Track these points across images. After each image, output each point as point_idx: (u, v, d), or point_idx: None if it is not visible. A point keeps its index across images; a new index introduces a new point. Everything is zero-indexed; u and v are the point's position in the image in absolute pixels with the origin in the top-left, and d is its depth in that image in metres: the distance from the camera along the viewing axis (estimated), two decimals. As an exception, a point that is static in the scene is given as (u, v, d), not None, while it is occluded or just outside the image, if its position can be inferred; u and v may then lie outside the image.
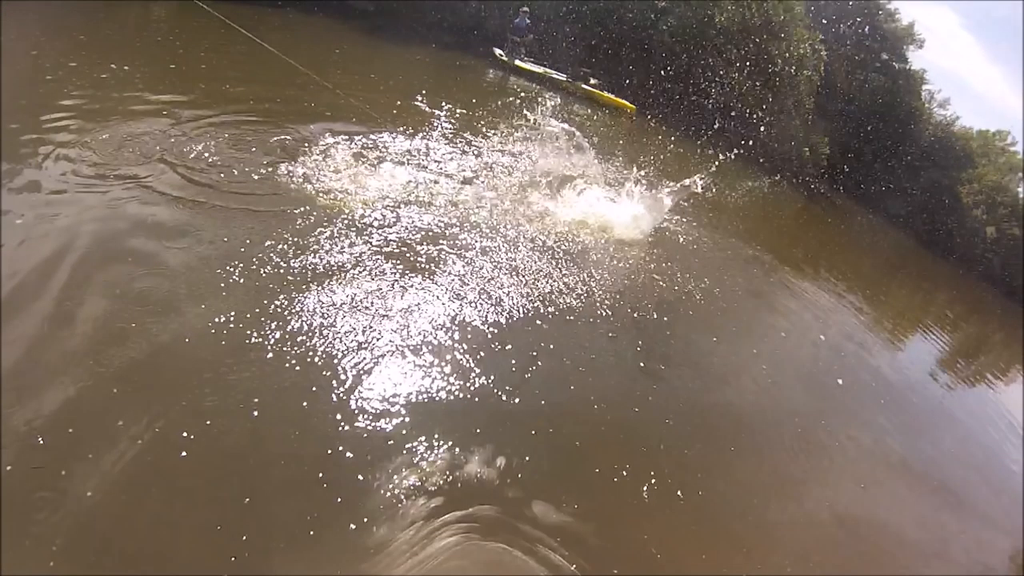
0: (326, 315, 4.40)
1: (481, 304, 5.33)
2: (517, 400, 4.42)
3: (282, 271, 4.65)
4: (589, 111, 16.80)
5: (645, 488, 4.25)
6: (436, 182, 7.22)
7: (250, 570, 2.72)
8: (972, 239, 33.68)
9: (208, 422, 3.26)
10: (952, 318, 18.10)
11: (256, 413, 3.42)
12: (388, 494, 3.32)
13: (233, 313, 4.06)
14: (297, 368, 3.85)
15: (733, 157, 19.99)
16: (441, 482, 3.52)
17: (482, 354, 4.71)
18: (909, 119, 29.95)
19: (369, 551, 3.01)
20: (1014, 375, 17.49)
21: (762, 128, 19.02)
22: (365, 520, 3.14)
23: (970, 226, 33.59)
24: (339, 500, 3.19)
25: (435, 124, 9.22)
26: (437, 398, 4.13)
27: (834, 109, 24.44)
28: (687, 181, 8.97)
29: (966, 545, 6.26)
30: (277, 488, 3.14)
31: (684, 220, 10.22)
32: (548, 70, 17.63)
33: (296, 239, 5.07)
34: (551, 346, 5.22)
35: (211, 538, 2.79)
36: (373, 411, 3.78)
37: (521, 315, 5.42)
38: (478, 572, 3.11)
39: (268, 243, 4.87)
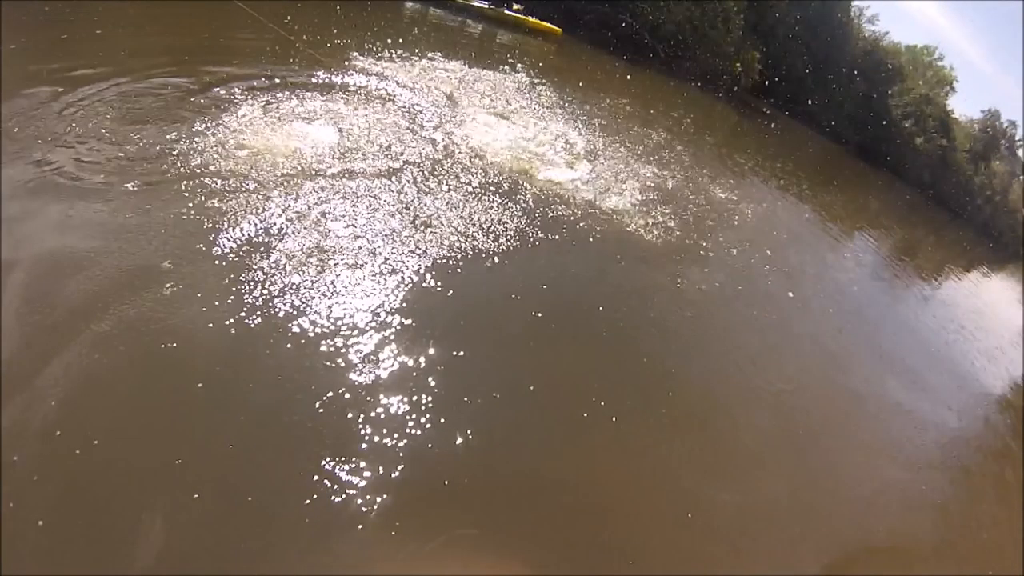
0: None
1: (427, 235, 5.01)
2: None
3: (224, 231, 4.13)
4: (514, 37, 15.96)
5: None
6: (355, 122, 6.48)
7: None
8: (902, 149, 34.64)
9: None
10: (887, 224, 18.50)
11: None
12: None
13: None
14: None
15: (663, 75, 19.74)
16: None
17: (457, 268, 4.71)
18: (839, 34, 29.96)
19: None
20: (947, 273, 18.19)
21: (692, 43, 18.62)
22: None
23: (900, 137, 34.46)
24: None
25: (352, 63, 8.28)
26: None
27: (764, 24, 24.09)
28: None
29: (923, 408, 6.89)
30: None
31: (617, 143, 9.81)
32: (468, -2, 16.63)
33: (228, 200, 4.45)
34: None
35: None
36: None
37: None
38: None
39: (181, 212, 4.18)
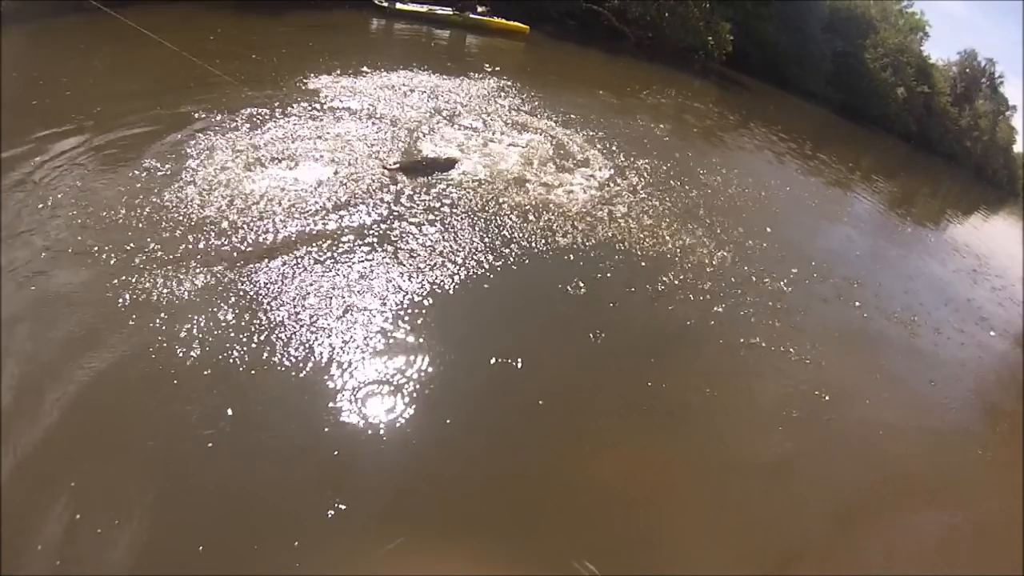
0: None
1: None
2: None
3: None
4: (483, 40, 15.85)
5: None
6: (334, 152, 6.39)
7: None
8: (884, 101, 34.46)
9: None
10: (883, 178, 18.34)
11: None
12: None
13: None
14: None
15: (637, 59, 19.60)
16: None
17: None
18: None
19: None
20: (948, 219, 18.04)
21: (661, 22, 18.48)
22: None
23: (881, 90, 34.28)
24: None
25: (326, 91, 8.08)
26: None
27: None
28: None
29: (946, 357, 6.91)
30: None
31: (600, 137, 9.69)
32: (432, 8, 16.48)
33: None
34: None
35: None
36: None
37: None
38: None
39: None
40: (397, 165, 6.25)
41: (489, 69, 11.75)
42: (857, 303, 7.23)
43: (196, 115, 6.44)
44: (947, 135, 40.80)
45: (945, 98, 40.61)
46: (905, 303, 7.97)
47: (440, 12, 16.35)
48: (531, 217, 6.11)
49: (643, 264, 6.05)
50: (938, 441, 5.43)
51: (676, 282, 5.93)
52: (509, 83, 10.97)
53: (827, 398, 5.09)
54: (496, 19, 16.89)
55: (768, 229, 8.21)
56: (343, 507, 2.95)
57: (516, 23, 16.98)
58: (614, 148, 8.96)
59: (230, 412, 3.26)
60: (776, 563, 3.58)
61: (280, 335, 3.81)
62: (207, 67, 6.53)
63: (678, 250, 6.55)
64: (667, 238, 6.71)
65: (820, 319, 6.41)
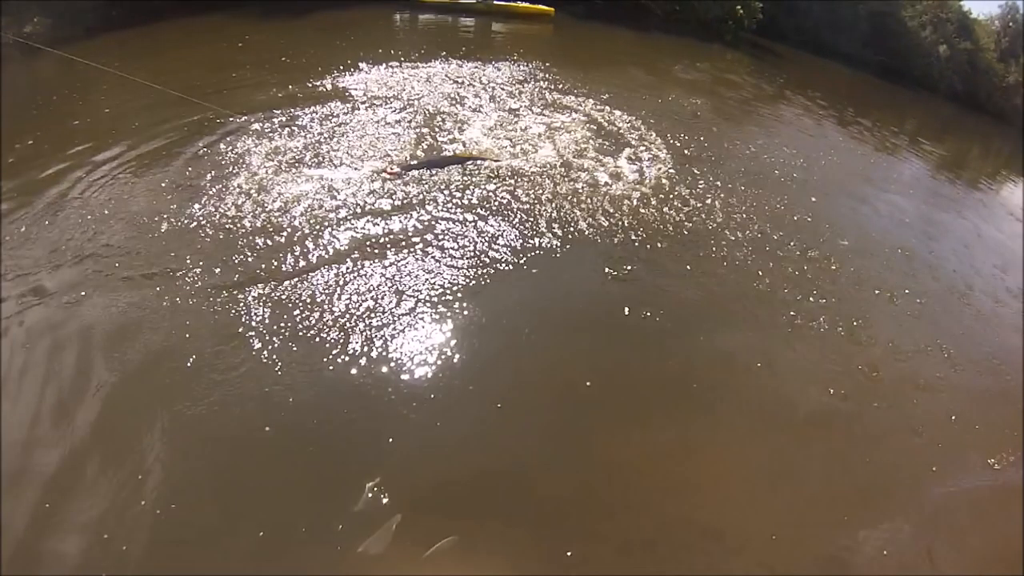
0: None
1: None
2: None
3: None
4: (509, 26, 15.74)
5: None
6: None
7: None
8: (926, 61, 32.95)
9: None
10: (930, 141, 17.58)
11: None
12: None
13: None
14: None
15: (666, 34, 19.22)
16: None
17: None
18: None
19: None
20: (1002, 181, 17.22)
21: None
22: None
23: (921, 49, 32.78)
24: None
25: (357, 90, 8.28)
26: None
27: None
28: None
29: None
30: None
31: (639, 118, 9.58)
32: (455, -5, 16.44)
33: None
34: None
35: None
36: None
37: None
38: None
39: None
40: (398, 169, 6.12)
41: (518, 54, 11.72)
42: (908, 272, 7.03)
43: (231, 120, 6.70)
44: (995, 93, 38.74)
45: (990, 54, 38.51)
46: (959, 271, 7.70)
47: (464, 0, 16.29)
48: (567, 203, 6.13)
49: (686, 243, 6.02)
50: (994, 409, 5.20)
51: (718, 259, 5.90)
52: (539, 67, 10.94)
53: (877, 373, 5.00)
54: (521, 3, 16.74)
55: (812, 199, 8.04)
56: (384, 499, 3.08)
57: (541, 6, 16.80)
58: (650, 126, 8.85)
59: (289, 401, 3.47)
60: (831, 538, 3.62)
61: (328, 332, 3.99)
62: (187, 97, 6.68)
63: (719, 226, 6.48)
64: (707, 215, 6.64)
65: (870, 291, 6.27)
